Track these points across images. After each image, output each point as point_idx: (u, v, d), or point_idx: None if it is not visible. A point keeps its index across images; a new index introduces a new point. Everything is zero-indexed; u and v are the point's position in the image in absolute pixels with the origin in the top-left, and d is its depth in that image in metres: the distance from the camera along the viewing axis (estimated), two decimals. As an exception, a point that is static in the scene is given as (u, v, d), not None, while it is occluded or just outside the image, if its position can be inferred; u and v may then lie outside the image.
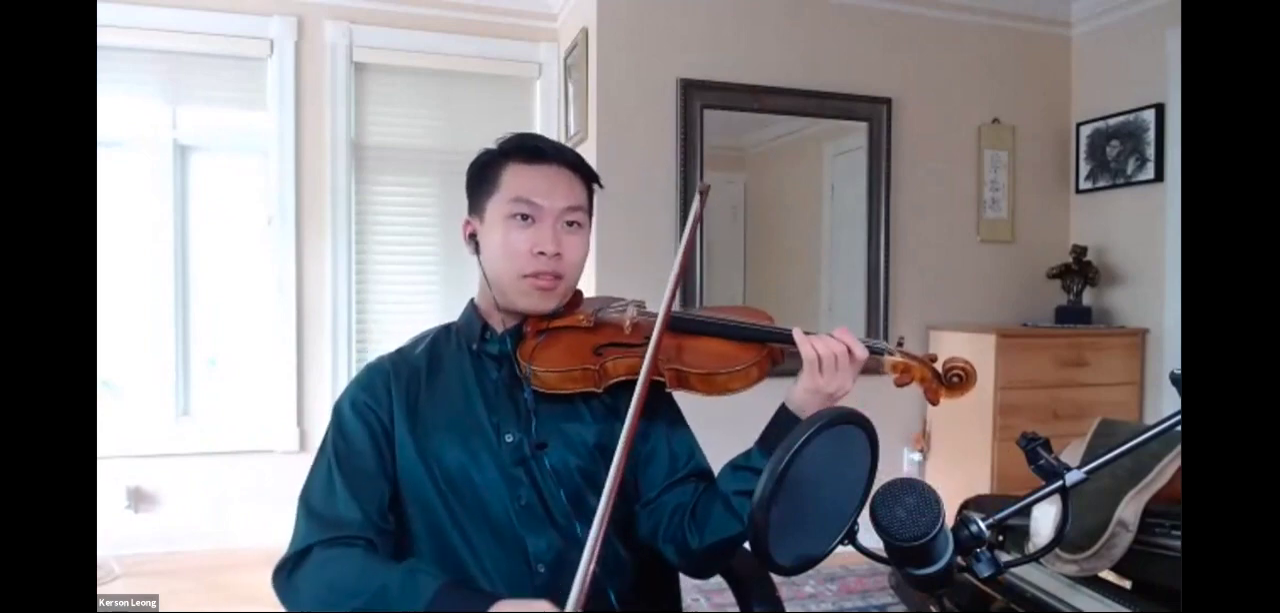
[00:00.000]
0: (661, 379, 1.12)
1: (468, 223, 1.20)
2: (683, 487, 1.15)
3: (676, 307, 1.15)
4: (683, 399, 1.20)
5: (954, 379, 1.13)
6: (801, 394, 1.09)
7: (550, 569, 1.07)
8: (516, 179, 1.14)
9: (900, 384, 1.14)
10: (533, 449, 1.10)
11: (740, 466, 1.10)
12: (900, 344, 1.18)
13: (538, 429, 1.10)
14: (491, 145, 1.19)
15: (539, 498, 1.09)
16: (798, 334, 1.11)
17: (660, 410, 1.18)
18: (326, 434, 1.13)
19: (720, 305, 1.28)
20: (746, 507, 1.03)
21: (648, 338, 1.07)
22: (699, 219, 1.17)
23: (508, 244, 1.13)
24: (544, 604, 0.87)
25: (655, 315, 1.11)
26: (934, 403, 1.12)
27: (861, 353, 1.09)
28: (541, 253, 1.12)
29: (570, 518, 1.07)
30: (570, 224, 1.16)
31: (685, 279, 3.23)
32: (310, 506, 1.07)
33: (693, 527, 1.10)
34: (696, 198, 1.19)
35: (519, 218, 1.13)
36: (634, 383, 1.01)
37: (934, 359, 1.14)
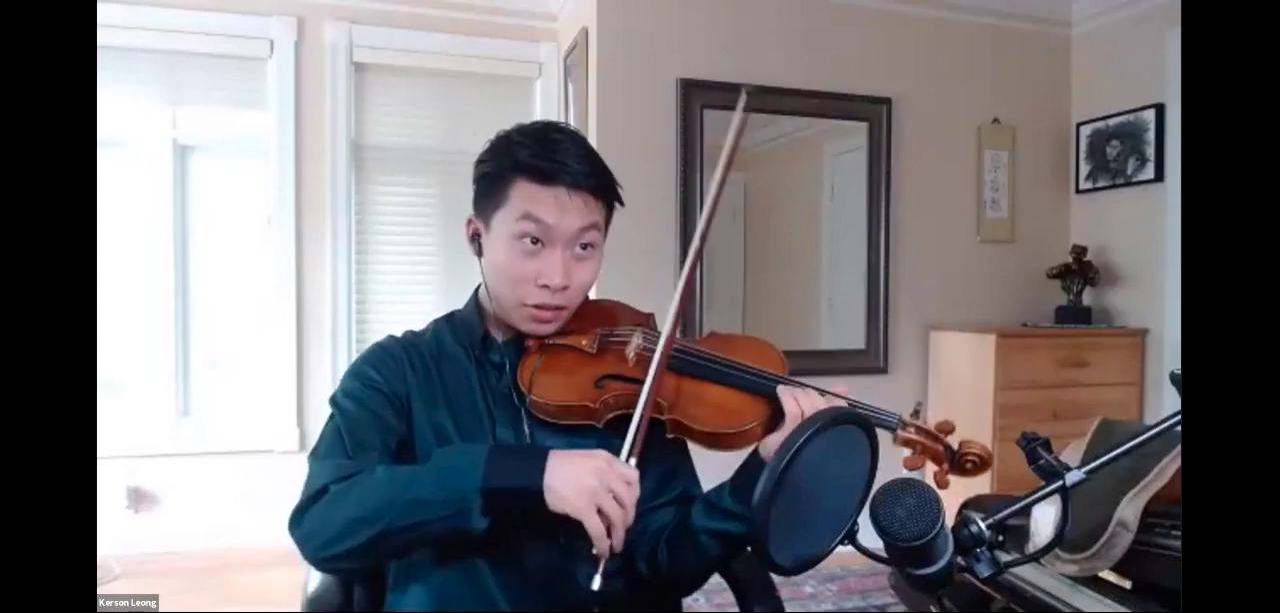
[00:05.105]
0: (661, 422, 1.05)
1: (471, 222, 1.13)
2: (666, 510, 1.13)
3: (680, 339, 1.09)
4: None
5: (968, 465, 1.04)
6: (775, 445, 0.98)
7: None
8: (526, 199, 1.05)
9: (910, 467, 1.03)
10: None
11: (713, 505, 1.07)
12: (915, 415, 1.07)
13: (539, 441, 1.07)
14: (501, 140, 1.09)
15: None
16: (783, 390, 1.04)
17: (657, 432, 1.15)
18: (333, 399, 1.09)
19: (725, 332, 1.20)
20: (715, 547, 1.05)
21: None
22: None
23: (512, 269, 1.06)
24: (602, 455, 0.94)
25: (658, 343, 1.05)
26: (942, 488, 0.99)
27: None
28: (546, 286, 1.05)
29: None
30: (584, 247, 1.08)
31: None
32: (320, 454, 1.04)
33: (665, 551, 1.08)
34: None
35: (527, 241, 1.05)
36: (632, 416, 0.99)
37: (948, 431, 1.06)
